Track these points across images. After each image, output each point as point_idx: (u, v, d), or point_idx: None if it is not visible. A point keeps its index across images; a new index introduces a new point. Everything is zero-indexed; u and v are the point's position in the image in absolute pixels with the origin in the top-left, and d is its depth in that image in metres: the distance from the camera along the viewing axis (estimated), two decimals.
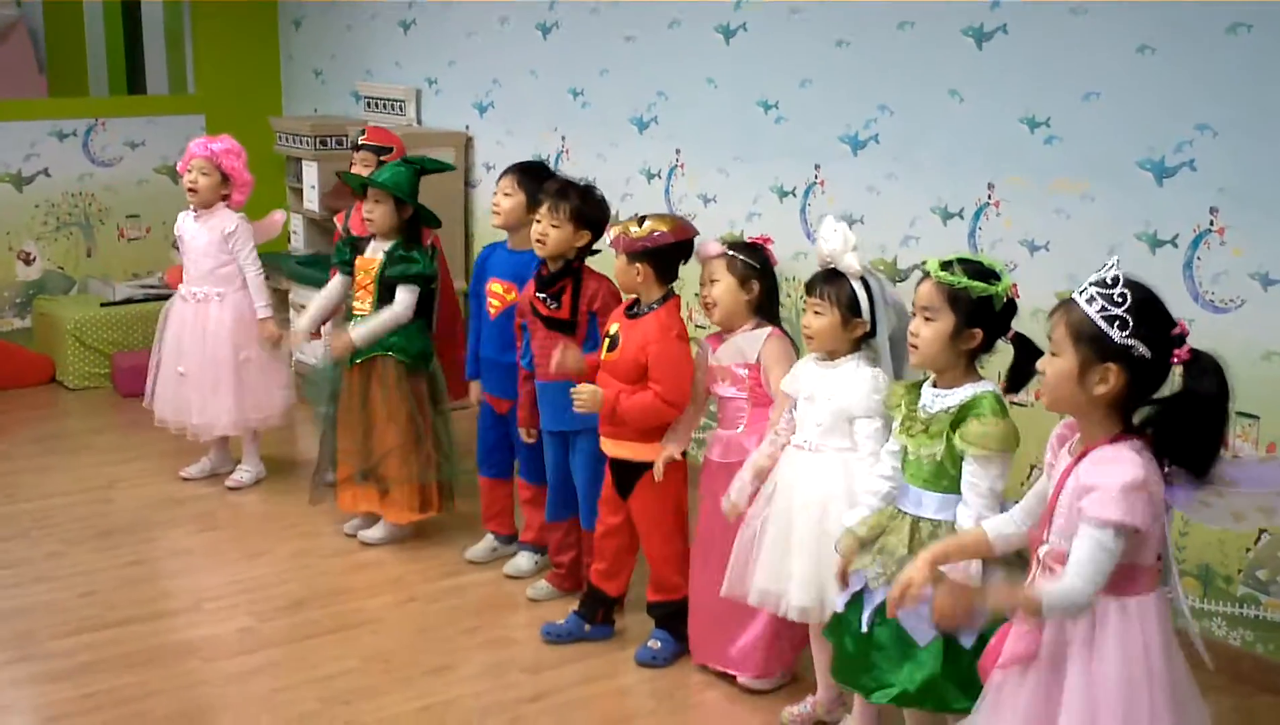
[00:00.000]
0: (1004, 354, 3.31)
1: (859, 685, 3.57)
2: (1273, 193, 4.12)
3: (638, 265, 4.30)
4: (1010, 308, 3.37)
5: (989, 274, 3.34)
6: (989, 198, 4.85)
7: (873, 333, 3.81)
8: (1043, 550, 2.91)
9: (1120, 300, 2.76)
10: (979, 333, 3.34)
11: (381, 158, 5.82)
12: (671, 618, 4.49)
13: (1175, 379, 2.82)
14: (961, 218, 4.94)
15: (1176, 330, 2.80)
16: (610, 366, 4.35)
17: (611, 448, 4.44)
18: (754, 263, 4.16)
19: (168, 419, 6.08)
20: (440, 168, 5.56)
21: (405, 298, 5.26)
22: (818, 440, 3.83)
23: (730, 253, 4.16)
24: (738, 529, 4.02)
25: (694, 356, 4.35)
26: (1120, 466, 2.75)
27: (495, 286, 5.04)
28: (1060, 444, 2.98)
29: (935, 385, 3.44)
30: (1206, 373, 2.78)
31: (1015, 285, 3.37)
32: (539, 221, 4.63)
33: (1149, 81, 4.35)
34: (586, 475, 4.65)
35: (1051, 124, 4.63)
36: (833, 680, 3.94)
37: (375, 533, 5.47)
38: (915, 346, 3.40)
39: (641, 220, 4.33)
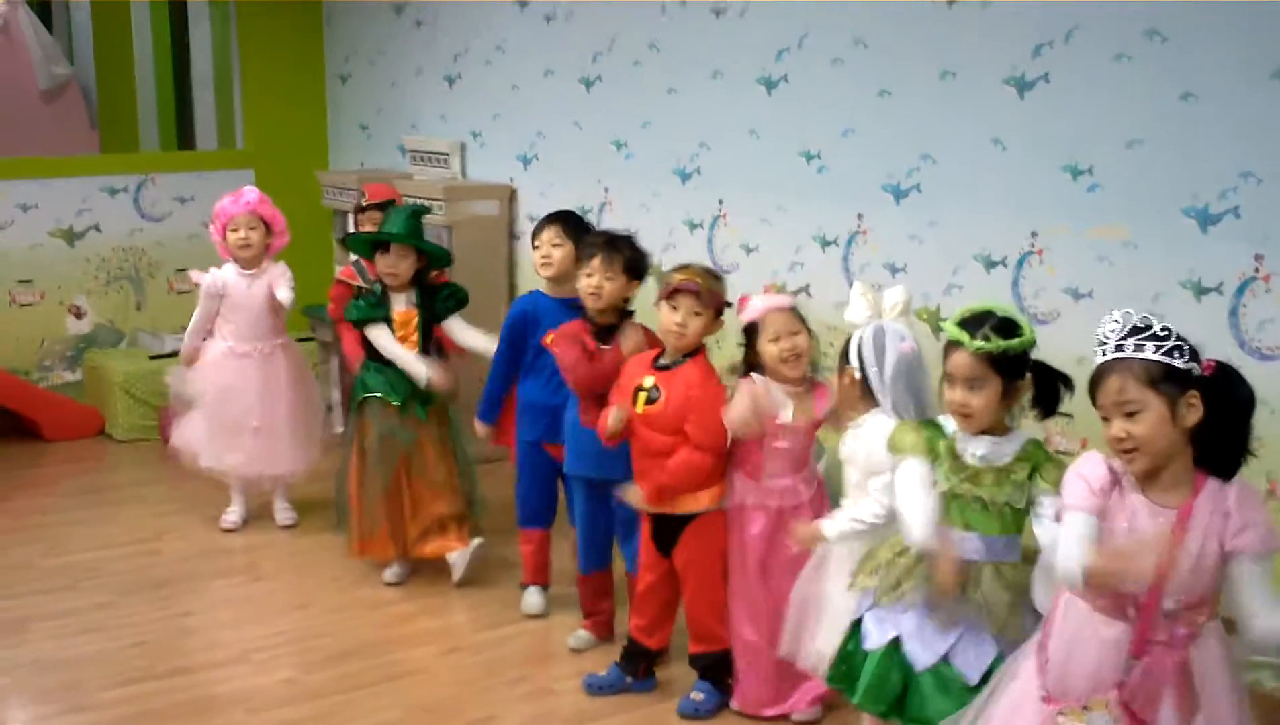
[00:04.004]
0: None
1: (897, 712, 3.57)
2: None
3: (714, 320, 4.40)
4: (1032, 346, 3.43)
5: (1013, 326, 3.38)
6: (1032, 246, 4.83)
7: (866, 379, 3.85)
8: (1168, 604, 2.92)
9: (1165, 334, 2.87)
10: (1024, 383, 3.38)
11: (386, 213, 5.89)
12: (714, 668, 4.47)
13: None
14: (1005, 266, 4.92)
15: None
16: (652, 420, 4.35)
17: (658, 503, 4.43)
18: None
19: (241, 471, 6.13)
20: (425, 211, 5.68)
21: (464, 323, 5.50)
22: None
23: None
24: (768, 577, 4.14)
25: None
26: (1258, 499, 2.92)
27: None
28: (1111, 486, 2.96)
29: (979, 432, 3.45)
30: (1234, 378, 2.92)
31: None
32: (590, 275, 4.65)
33: (1192, 128, 4.34)
34: (628, 523, 4.64)
35: (1094, 171, 4.62)
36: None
37: (459, 557, 5.50)
38: (969, 415, 3.39)
39: (711, 273, 4.47)
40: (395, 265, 5.34)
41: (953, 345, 3.39)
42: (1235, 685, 3.03)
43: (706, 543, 4.39)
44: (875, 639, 3.55)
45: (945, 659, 3.45)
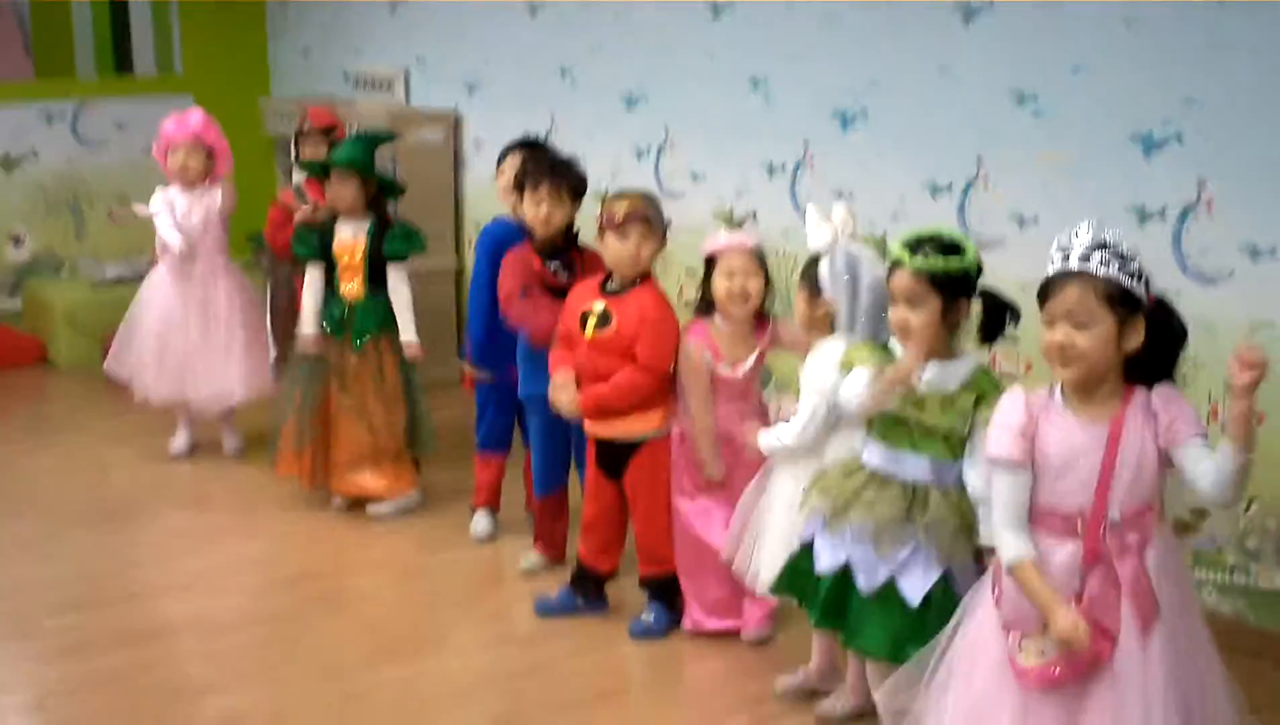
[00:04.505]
0: None
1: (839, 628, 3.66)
2: (1260, 165, 4.14)
3: (658, 236, 4.41)
4: (978, 272, 3.43)
5: (955, 246, 3.39)
6: (978, 172, 4.87)
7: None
8: (1114, 514, 2.98)
9: (1131, 256, 2.91)
10: (965, 304, 3.41)
11: (329, 138, 5.86)
12: (664, 590, 4.51)
13: None
14: (951, 192, 4.95)
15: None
16: (603, 344, 4.36)
17: (599, 428, 4.46)
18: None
19: (166, 395, 6.07)
20: (387, 138, 5.66)
21: (404, 276, 5.38)
22: None
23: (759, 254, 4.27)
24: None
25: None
26: (1180, 395, 2.99)
27: None
28: (1031, 421, 3.00)
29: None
30: (1171, 311, 3.00)
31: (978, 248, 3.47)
32: (539, 203, 4.67)
33: (1137, 55, 4.37)
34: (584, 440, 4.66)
35: (1039, 98, 4.65)
36: (823, 644, 4.02)
37: (385, 508, 5.49)
38: (906, 333, 3.41)
39: (630, 196, 4.43)
40: (336, 191, 5.31)
41: (895, 265, 3.41)
42: (1186, 588, 3.14)
43: (654, 467, 4.43)
44: (827, 562, 3.60)
45: (889, 582, 3.50)
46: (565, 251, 4.76)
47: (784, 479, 3.95)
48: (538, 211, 4.68)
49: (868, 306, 3.73)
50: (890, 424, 3.51)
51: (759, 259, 4.24)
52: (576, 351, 4.43)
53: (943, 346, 3.45)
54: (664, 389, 4.39)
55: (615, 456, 4.47)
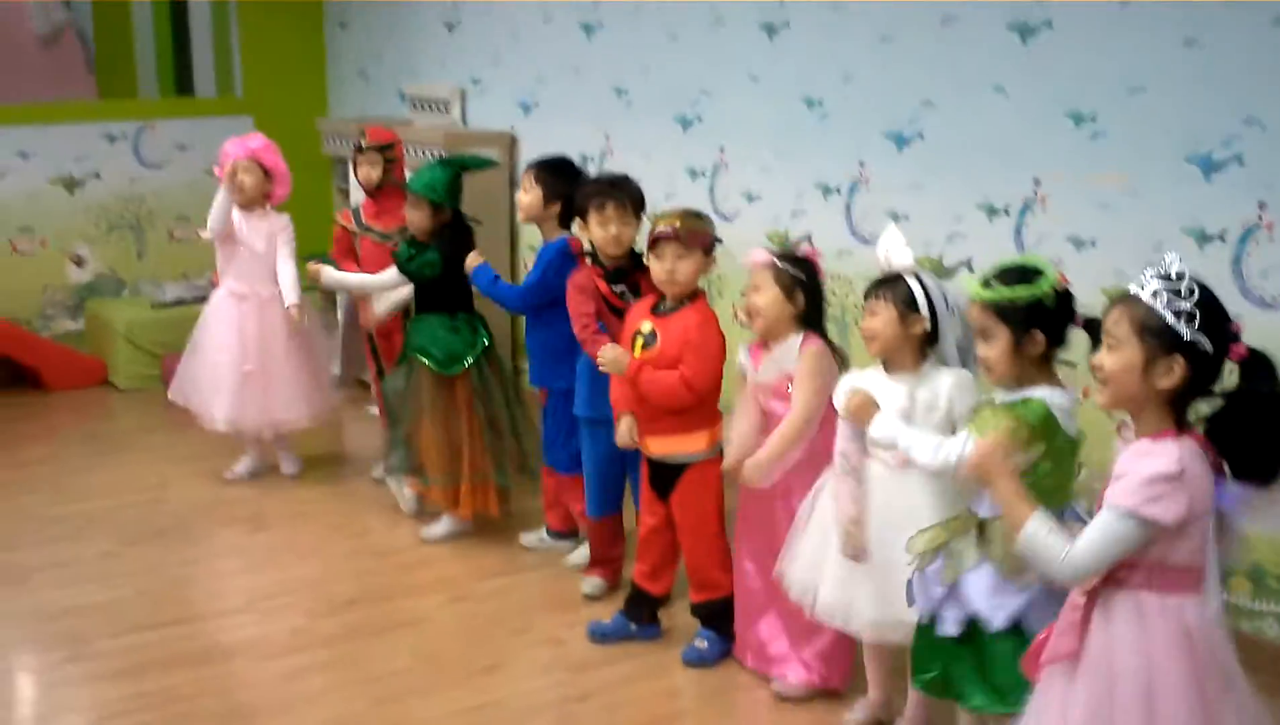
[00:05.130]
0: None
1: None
2: None
3: (706, 258, 4.38)
4: (1066, 298, 3.31)
5: (1030, 274, 3.30)
6: (1035, 193, 4.82)
7: (934, 336, 3.74)
8: None
9: (1187, 294, 2.76)
10: (1039, 335, 3.29)
11: (386, 155, 5.90)
12: (717, 616, 4.49)
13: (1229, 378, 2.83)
14: (1007, 214, 4.91)
15: (1233, 327, 2.80)
16: (648, 363, 4.35)
17: (657, 447, 4.45)
18: (799, 274, 4.11)
19: (228, 420, 6.05)
20: (481, 165, 5.61)
21: (388, 273, 5.44)
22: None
23: (777, 262, 4.13)
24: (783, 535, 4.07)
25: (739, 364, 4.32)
26: (1152, 459, 2.76)
27: None
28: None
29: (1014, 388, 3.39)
30: (1263, 371, 2.80)
31: (1063, 274, 3.32)
32: (605, 223, 4.65)
33: (1195, 76, 4.32)
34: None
35: (1097, 119, 4.60)
36: (878, 674, 4.00)
37: (437, 530, 5.51)
38: (987, 369, 3.37)
39: (697, 214, 4.42)
40: (410, 214, 5.34)
41: (972, 300, 3.37)
42: (1154, 665, 2.82)
43: (702, 489, 4.42)
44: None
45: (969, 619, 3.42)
46: (630, 273, 4.73)
47: (831, 493, 3.90)
48: (607, 232, 4.66)
49: (960, 330, 3.73)
50: None
51: (772, 275, 4.11)
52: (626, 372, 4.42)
53: (1032, 377, 3.33)
54: (710, 411, 4.37)
55: (665, 477, 4.46)
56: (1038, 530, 2.85)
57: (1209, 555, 2.84)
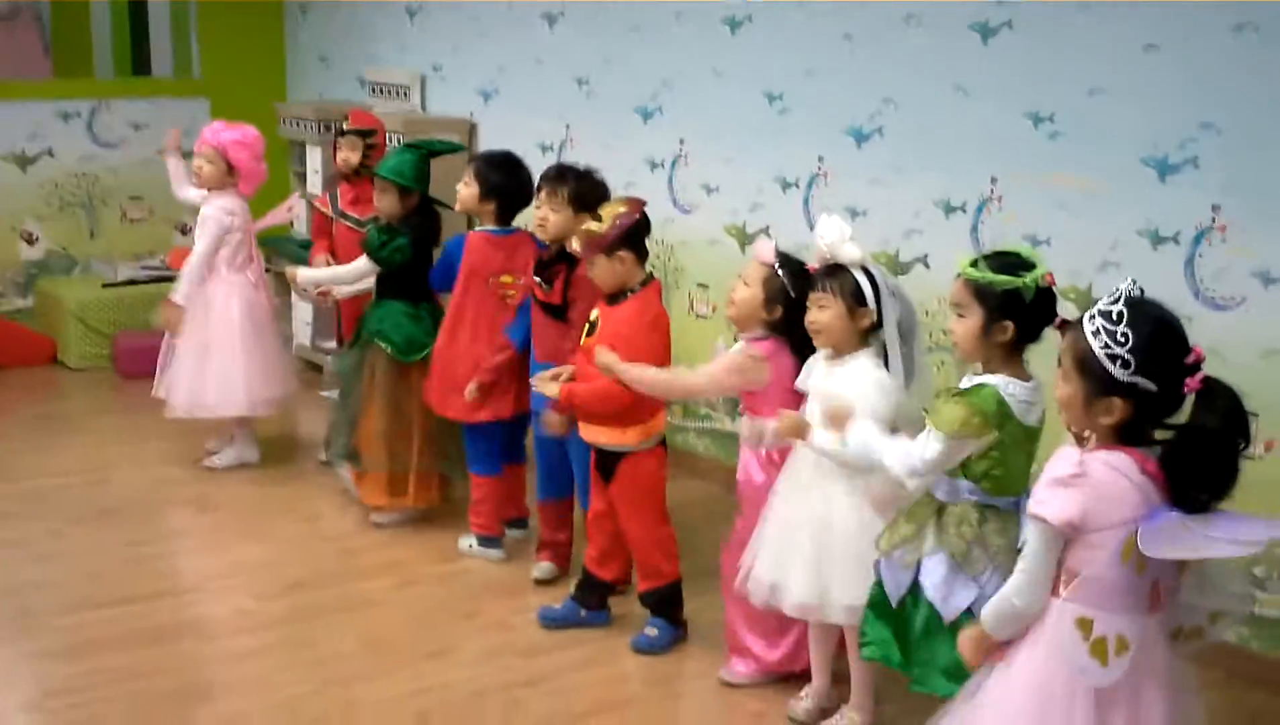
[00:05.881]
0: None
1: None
2: (1275, 191, 4.13)
3: (620, 254, 4.30)
4: (1047, 296, 3.34)
5: (1021, 266, 3.33)
6: (992, 192, 4.86)
7: (880, 323, 3.79)
8: None
9: (1123, 340, 2.76)
10: (1009, 326, 3.31)
11: (367, 141, 5.86)
12: (665, 603, 4.50)
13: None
14: (964, 212, 4.95)
15: (1191, 358, 2.78)
16: (588, 351, 4.36)
17: (589, 434, 4.44)
18: (790, 290, 4.00)
19: (179, 404, 5.97)
20: (448, 149, 5.59)
21: (359, 264, 5.39)
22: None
23: (776, 269, 4.05)
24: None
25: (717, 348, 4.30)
26: (1053, 462, 2.82)
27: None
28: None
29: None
30: (1215, 405, 2.77)
31: (1050, 274, 3.34)
32: (538, 206, 4.68)
33: (1154, 79, 4.36)
34: (583, 458, 4.65)
35: (1056, 119, 4.65)
36: (821, 662, 4.04)
37: (387, 517, 5.49)
38: (955, 342, 3.42)
39: (597, 216, 4.33)
40: (379, 199, 5.33)
41: (958, 275, 3.40)
42: (1044, 678, 2.86)
43: (640, 479, 4.42)
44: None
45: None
46: (554, 264, 4.70)
47: (790, 492, 3.93)
48: (535, 215, 4.71)
49: (905, 322, 3.80)
50: None
51: (765, 276, 4.04)
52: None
53: (998, 365, 3.37)
54: (642, 404, 4.32)
55: (606, 464, 4.46)
56: (988, 613, 2.92)
57: (1127, 574, 2.81)
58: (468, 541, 5.22)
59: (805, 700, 4.09)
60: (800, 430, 3.74)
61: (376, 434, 5.35)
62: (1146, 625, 2.85)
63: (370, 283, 5.45)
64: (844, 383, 3.78)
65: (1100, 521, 2.77)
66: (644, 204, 4.39)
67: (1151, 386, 2.77)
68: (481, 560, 5.18)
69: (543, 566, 5.00)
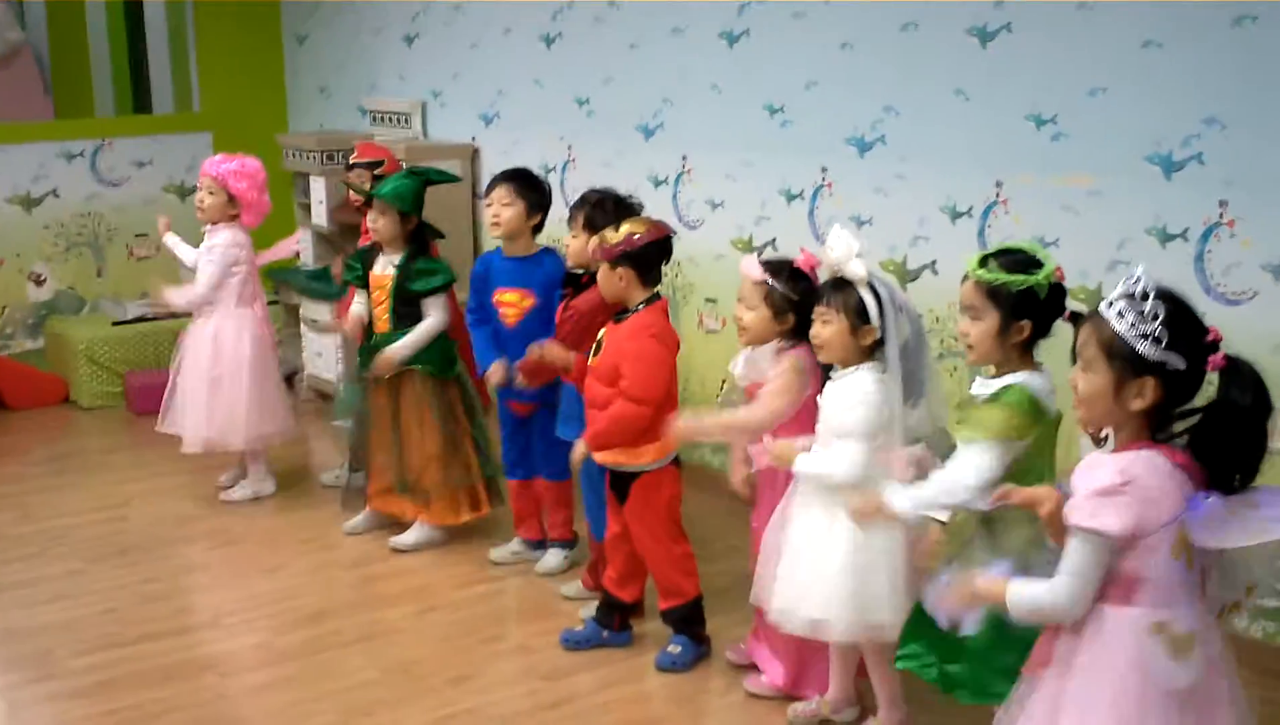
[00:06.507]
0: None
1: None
2: None
3: (619, 270, 4.31)
4: (1059, 291, 3.34)
5: (1029, 263, 3.32)
6: (997, 196, 4.85)
7: (884, 341, 3.77)
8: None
9: (1152, 316, 2.74)
10: (1026, 325, 3.32)
11: (375, 172, 5.87)
12: (686, 621, 4.49)
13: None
14: (970, 216, 4.94)
15: (1210, 337, 2.78)
16: (594, 371, 4.37)
17: (601, 456, 4.43)
18: (792, 294, 4.02)
19: (194, 440, 5.99)
20: (445, 179, 5.60)
21: (439, 310, 5.35)
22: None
23: (770, 282, 4.05)
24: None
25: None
26: (1095, 472, 2.77)
27: (507, 296, 5.06)
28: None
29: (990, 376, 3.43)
30: (1242, 380, 2.77)
31: (1060, 268, 3.34)
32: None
33: (1155, 76, 4.36)
34: (597, 480, 4.64)
35: (1058, 121, 4.64)
36: (841, 674, 4.03)
37: (408, 538, 5.49)
38: (969, 346, 3.39)
39: (618, 227, 4.35)
40: (375, 222, 5.33)
41: (966, 276, 3.39)
42: (1125, 691, 2.80)
43: (652, 498, 4.41)
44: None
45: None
46: (566, 285, 4.85)
47: (801, 507, 3.92)
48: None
49: (911, 340, 3.77)
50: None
51: (764, 292, 4.04)
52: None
53: (1012, 365, 3.37)
54: (655, 423, 4.30)
55: (620, 485, 4.46)
56: (1019, 592, 2.84)
57: (1180, 569, 2.79)
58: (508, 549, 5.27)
59: (812, 704, 4.07)
60: (788, 458, 3.78)
61: (433, 457, 5.40)
62: (1203, 615, 2.84)
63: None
64: (838, 396, 3.78)
65: (1153, 523, 2.74)
66: (665, 230, 4.38)
67: (1181, 363, 2.74)
68: (503, 584, 5.18)
69: (575, 586, 5.04)
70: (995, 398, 3.32)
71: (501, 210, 5.02)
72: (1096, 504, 2.73)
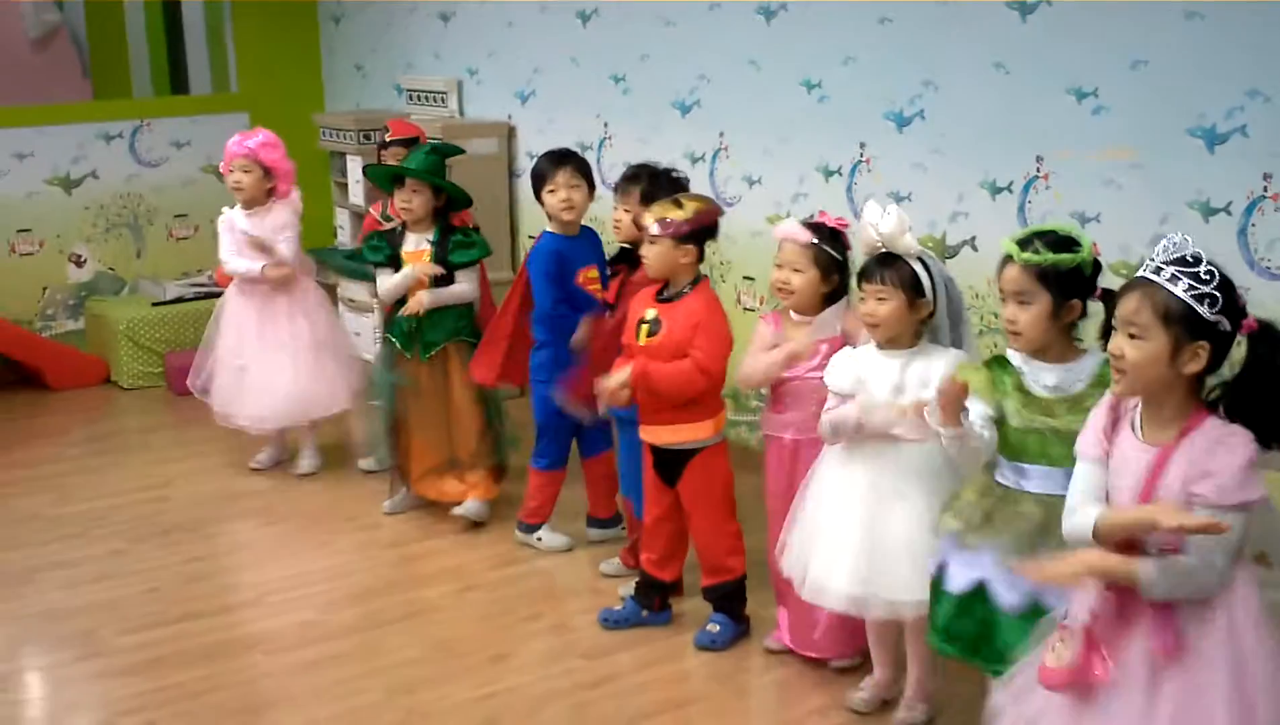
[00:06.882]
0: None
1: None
2: None
3: (687, 246, 4.30)
4: (1098, 268, 3.33)
5: (1070, 242, 3.31)
6: (1038, 171, 4.81)
7: (934, 313, 3.76)
8: (1150, 549, 2.83)
9: (1208, 277, 2.75)
10: (1077, 303, 3.31)
11: (410, 150, 5.87)
12: (728, 599, 4.49)
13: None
14: (1010, 192, 4.90)
15: (1241, 300, 2.80)
16: (654, 352, 4.32)
17: (650, 435, 4.43)
18: (836, 254, 4.08)
19: (230, 413, 6.06)
20: (455, 151, 5.65)
21: (471, 280, 5.42)
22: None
23: (817, 242, 4.06)
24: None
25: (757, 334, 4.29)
26: (1233, 450, 2.76)
27: (591, 272, 5.08)
28: (1113, 423, 2.94)
29: (1041, 360, 3.38)
30: (1275, 342, 2.79)
31: (1096, 244, 3.33)
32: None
33: (1197, 48, 4.31)
34: (634, 463, 4.64)
35: (1099, 94, 4.59)
36: (884, 654, 4.03)
37: (470, 507, 5.49)
38: (1017, 332, 3.34)
39: (678, 202, 4.33)
40: (408, 200, 5.35)
41: (1006, 260, 3.35)
42: (1248, 649, 2.82)
43: (711, 475, 4.42)
44: (959, 581, 3.46)
45: (1033, 596, 3.31)
46: (617, 263, 4.87)
47: (837, 476, 3.89)
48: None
49: (954, 310, 3.79)
50: (1020, 437, 3.37)
51: (813, 255, 4.07)
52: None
53: (1059, 347, 3.36)
54: (715, 397, 4.37)
55: (670, 464, 4.45)
56: (1165, 565, 2.79)
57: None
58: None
59: (864, 691, 4.07)
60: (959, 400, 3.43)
61: (481, 432, 5.47)
62: None
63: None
64: (935, 372, 3.67)
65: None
66: (720, 208, 4.45)
67: (1228, 326, 2.77)
68: (542, 563, 5.20)
69: (613, 563, 5.06)
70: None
71: (571, 193, 5.01)
72: (1244, 477, 2.75)
